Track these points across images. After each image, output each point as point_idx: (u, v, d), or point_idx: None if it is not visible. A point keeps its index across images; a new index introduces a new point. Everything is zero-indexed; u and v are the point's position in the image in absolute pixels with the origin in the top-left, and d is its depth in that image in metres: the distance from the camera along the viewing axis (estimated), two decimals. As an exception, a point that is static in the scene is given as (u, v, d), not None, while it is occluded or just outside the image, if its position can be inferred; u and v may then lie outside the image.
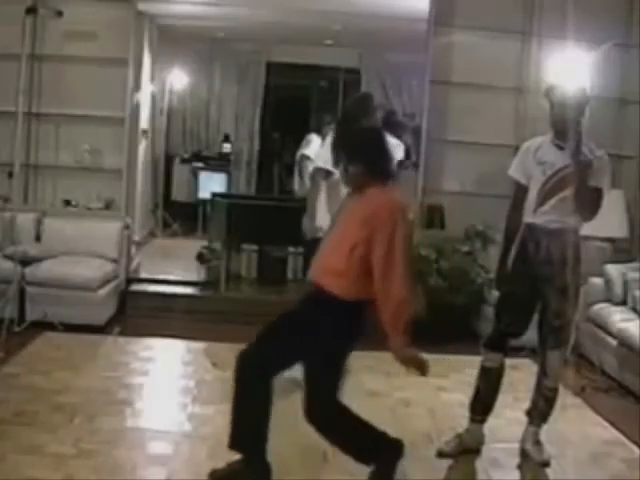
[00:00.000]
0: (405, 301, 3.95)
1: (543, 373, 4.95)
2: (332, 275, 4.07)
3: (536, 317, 4.99)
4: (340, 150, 4.25)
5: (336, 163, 5.10)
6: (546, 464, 4.88)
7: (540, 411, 4.99)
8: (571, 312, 4.95)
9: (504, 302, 5.00)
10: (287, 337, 4.16)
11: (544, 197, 4.84)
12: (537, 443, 4.98)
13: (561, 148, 4.86)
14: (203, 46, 12.72)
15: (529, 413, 5.06)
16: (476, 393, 5.13)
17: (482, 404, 5.11)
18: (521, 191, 4.99)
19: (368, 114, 6.19)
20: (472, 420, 5.12)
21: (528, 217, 4.92)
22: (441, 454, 4.98)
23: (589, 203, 4.80)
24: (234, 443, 4.17)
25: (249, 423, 4.16)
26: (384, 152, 4.27)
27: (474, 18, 7.91)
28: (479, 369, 5.11)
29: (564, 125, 4.85)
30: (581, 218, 4.86)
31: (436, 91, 8.21)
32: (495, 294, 5.31)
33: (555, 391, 4.97)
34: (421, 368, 4.08)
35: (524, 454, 4.99)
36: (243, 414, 4.15)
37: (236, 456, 4.31)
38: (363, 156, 4.16)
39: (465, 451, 5.03)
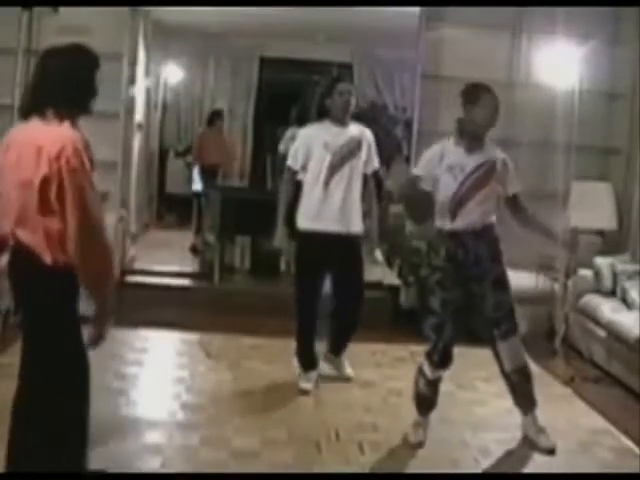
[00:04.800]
0: None
1: (508, 362, 4.91)
2: None
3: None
4: None
5: None
6: (552, 451, 4.89)
7: (523, 395, 5.01)
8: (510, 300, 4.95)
9: (444, 312, 4.84)
10: None
11: (460, 202, 4.77)
12: (540, 430, 4.99)
13: (470, 151, 4.84)
14: (197, 41, 12.71)
15: (516, 404, 5.09)
16: (421, 399, 5.05)
17: (428, 407, 5.05)
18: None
19: None
20: (424, 416, 5.07)
21: (446, 224, 4.83)
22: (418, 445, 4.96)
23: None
24: None
25: None
26: None
27: (465, 13, 7.95)
28: (422, 380, 4.98)
29: (483, 130, 4.89)
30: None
31: (427, 85, 8.24)
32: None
33: (525, 368, 4.96)
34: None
35: (529, 443, 4.99)
36: None
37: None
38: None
39: None
